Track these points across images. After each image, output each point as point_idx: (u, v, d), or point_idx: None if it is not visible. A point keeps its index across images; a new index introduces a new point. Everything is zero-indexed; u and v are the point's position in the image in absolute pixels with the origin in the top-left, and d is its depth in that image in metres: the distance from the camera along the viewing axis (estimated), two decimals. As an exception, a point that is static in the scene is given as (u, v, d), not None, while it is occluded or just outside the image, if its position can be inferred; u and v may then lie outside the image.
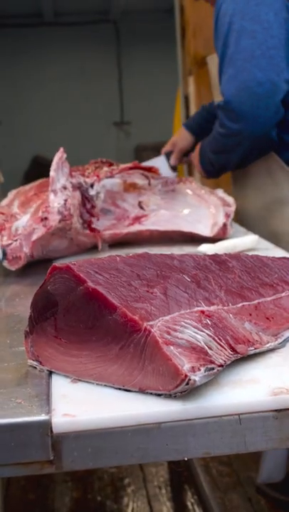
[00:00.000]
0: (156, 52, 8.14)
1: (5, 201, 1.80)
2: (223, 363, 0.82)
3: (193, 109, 3.84)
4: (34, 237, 1.49)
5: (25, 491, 2.54)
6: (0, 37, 8.25)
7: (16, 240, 1.51)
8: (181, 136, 2.39)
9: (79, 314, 0.84)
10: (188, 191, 1.79)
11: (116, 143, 8.68)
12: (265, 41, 1.82)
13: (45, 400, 0.80)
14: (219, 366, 0.81)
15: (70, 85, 8.49)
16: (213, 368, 0.79)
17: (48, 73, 8.46)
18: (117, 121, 8.65)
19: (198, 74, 3.70)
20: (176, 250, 1.65)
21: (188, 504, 2.42)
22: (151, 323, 0.80)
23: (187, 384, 0.76)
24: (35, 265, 1.58)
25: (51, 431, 0.75)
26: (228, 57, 1.86)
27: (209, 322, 0.86)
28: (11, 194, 1.86)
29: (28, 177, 6.67)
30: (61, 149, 1.60)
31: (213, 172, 2.17)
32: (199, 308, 0.88)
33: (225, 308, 0.92)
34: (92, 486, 2.55)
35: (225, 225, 1.70)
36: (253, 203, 2.17)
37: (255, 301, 0.97)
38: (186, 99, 3.94)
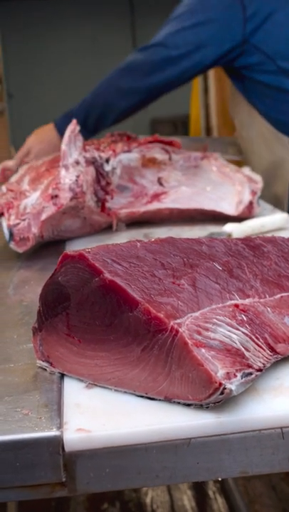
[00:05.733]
0: (172, 23, 7.94)
1: (15, 177, 1.69)
2: (262, 366, 0.70)
3: (211, 82, 3.69)
4: (43, 216, 1.37)
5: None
6: (12, 10, 8.08)
7: (24, 220, 1.39)
8: None
9: (94, 310, 0.73)
10: (213, 168, 1.66)
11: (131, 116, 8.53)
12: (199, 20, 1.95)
13: (56, 410, 0.69)
14: (258, 371, 0.69)
15: (83, 58, 8.33)
16: (251, 373, 0.68)
17: (61, 46, 8.30)
18: (132, 95, 8.49)
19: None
20: (199, 230, 1.53)
21: (210, 493, 2.32)
22: (178, 321, 0.69)
23: (222, 393, 0.65)
24: (47, 247, 1.47)
25: (63, 449, 0.64)
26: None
27: (245, 318, 0.74)
28: (22, 169, 1.74)
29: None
30: (74, 121, 1.47)
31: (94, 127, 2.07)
32: (233, 302, 0.76)
33: (261, 300, 0.80)
34: (109, 473, 2.47)
35: (251, 203, 1.57)
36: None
37: (295, 292, 0.85)
38: (204, 70, 3.78)
